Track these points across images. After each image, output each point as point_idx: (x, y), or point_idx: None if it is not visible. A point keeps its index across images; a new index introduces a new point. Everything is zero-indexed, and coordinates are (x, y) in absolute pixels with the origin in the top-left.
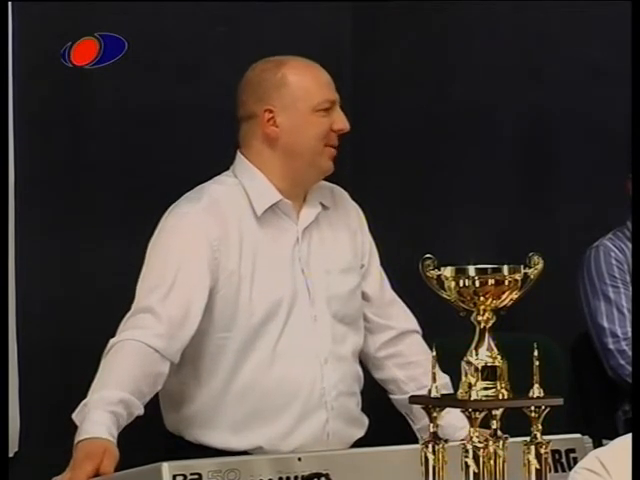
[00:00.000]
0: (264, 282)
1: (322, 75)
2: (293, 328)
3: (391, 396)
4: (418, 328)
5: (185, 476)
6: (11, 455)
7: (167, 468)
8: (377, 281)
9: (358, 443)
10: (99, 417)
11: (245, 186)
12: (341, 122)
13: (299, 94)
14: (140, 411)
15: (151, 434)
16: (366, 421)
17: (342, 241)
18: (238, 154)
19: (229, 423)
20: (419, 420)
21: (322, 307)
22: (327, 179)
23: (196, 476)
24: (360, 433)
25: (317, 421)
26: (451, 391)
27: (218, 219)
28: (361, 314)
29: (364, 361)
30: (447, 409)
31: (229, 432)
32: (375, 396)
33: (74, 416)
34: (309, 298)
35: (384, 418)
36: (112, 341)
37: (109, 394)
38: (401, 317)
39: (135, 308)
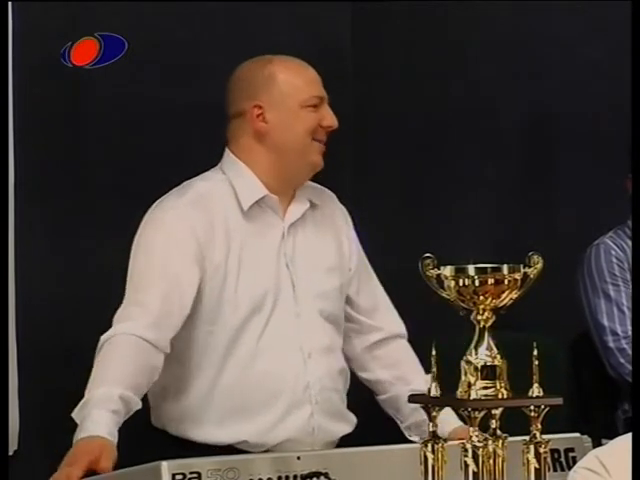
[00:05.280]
0: (249, 276)
1: (310, 72)
2: (277, 323)
3: (377, 397)
4: (405, 333)
5: (184, 475)
6: (10, 453)
7: (166, 467)
8: (365, 283)
9: (346, 440)
10: (99, 416)
11: (232, 181)
12: (330, 119)
13: (288, 90)
14: (138, 405)
15: (139, 430)
16: (353, 418)
17: (328, 241)
18: (226, 151)
19: (216, 418)
20: (406, 418)
21: (307, 304)
22: (328, 178)
23: (195, 475)
24: (347, 429)
25: (302, 415)
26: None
27: (203, 213)
28: (343, 314)
29: (348, 362)
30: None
31: (215, 427)
32: (365, 394)
33: (74, 414)
34: (293, 294)
35: (375, 416)
36: (104, 337)
37: (108, 391)
38: (390, 320)
39: (124, 302)
